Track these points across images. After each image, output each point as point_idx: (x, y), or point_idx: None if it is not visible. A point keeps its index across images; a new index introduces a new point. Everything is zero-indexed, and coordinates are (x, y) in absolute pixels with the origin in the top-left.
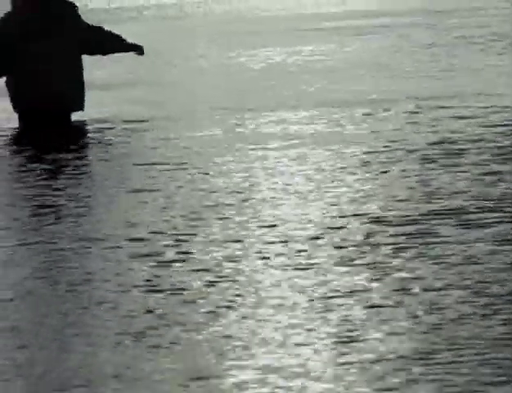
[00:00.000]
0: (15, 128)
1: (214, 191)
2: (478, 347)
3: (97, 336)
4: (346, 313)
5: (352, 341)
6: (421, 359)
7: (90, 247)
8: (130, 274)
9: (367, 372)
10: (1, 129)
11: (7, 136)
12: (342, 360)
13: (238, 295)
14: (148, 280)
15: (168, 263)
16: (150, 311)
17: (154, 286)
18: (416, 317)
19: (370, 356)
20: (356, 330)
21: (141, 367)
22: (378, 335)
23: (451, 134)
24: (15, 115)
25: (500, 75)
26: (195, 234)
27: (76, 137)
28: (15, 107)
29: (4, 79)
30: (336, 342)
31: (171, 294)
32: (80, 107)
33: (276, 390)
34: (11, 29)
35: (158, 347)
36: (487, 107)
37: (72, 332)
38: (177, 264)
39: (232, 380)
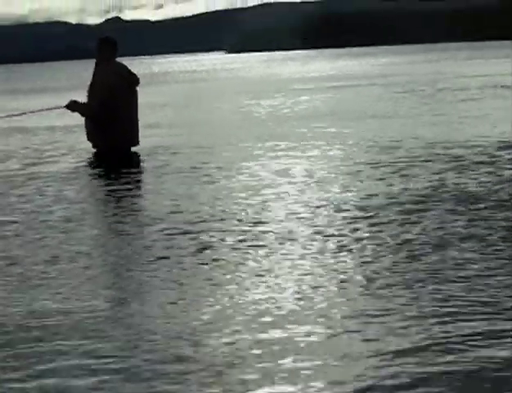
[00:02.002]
0: (92, 156)
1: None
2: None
3: None
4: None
5: None
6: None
7: (150, 225)
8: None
9: None
10: (82, 155)
11: (88, 160)
12: None
13: None
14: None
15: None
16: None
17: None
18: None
19: None
20: None
21: None
22: None
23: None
24: (90, 144)
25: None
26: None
27: (135, 162)
28: (97, 144)
29: (82, 120)
30: None
31: None
32: (138, 142)
33: None
34: (118, 82)
35: None
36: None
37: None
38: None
39: None
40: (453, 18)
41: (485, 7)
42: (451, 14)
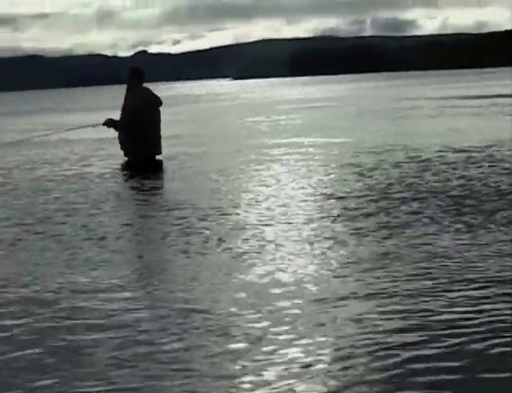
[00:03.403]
0: (124, 162)
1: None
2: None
3: None
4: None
5: None
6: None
7: (178, 210)
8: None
9: None
10: (117, 161)
11: (122, 165)
12: None
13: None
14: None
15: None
16: None
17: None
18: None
19: None
20: None
21: None
22: None
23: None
24: (121, 153)
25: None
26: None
27: (160, 166)
28: (127, 154)
29: (116, 133)
30: None
31: None
32: (161, 152)
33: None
34: (142, 104)
35: None
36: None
37: None
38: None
39: None
40: (420, 51)
41: (452, 41)
42: (420, 48)
